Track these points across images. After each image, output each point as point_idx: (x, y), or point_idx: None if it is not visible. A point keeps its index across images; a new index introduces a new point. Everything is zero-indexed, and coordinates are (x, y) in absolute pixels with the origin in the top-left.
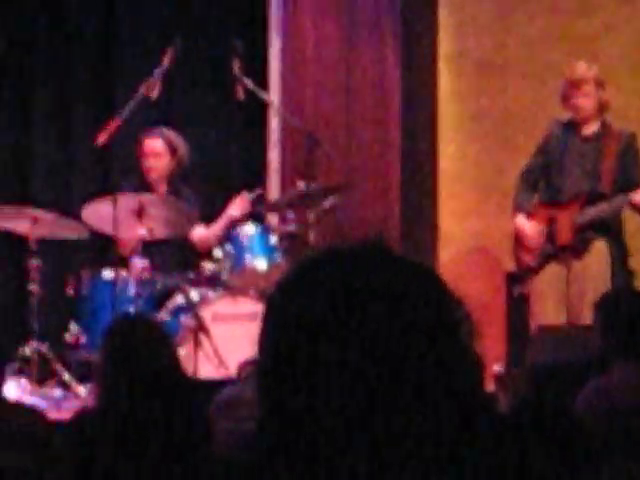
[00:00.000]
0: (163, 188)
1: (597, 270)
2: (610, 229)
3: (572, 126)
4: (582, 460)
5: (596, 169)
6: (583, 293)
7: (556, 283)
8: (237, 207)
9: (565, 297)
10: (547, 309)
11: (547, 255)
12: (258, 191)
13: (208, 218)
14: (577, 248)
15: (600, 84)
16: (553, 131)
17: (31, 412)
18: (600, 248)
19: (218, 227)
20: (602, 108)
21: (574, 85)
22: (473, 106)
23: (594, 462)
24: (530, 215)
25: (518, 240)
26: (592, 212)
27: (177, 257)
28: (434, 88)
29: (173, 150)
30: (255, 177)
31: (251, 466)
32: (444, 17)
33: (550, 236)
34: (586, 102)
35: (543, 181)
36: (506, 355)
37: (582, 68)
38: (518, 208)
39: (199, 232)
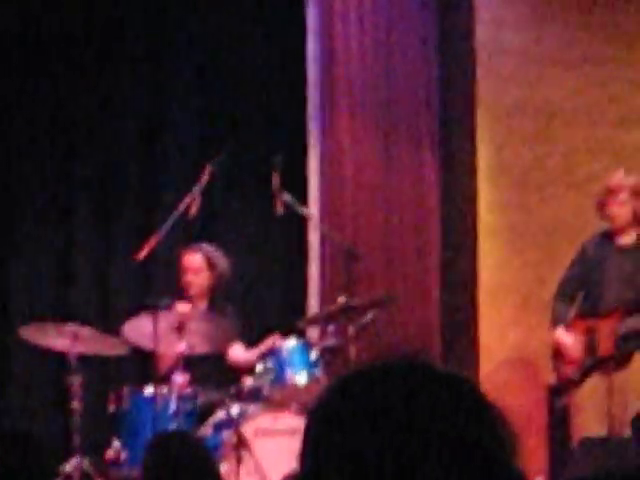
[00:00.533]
0: (203, 303)
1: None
2: None
3: (608, 236)
4: None
5: (635, 279)
6: (625, 405)
7: (597, 395)
8: (271, 341)
9: (607, 409)
10: (589, 421)
11: (588, 367)
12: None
13: (248, 334)
14: (619, 359)
15: (637, 194)
16: (590, 241)
17: None
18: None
19: (253, 354)
20: (638, 218)
21: (610, 192)
22: (514, 218)
23: None
24: (569, 327)
25: (557, 353)
26: (634, 322)
27: (218, 372)
28: (474, 200)
29: (212, 265)
30: (295, 292)
31: None
32: (483, 130)
33: (590, 348)
34: (621, 210)
35: (581, 292)
36: (548, 468)
37: (619, 176)
38: (556, 320)
39: (237, 352)
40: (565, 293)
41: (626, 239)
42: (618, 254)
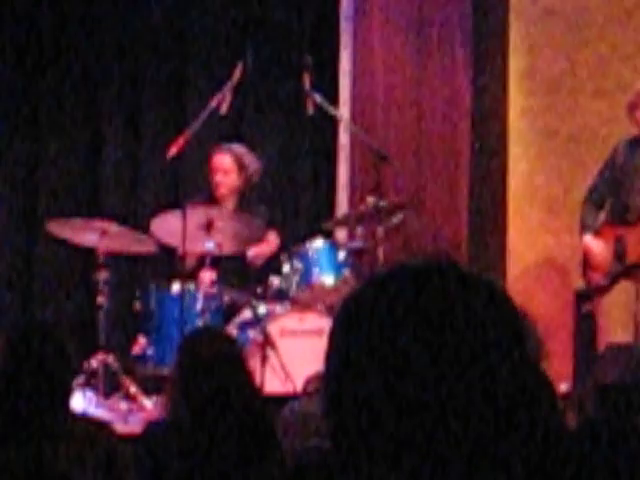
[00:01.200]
0: (232, 203)
1: None
2: None
3: (639, 142)
4: None
5: None
6: None
7: (625, 301)
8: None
9: (633, 315)
10: (615, 327)
11: (616, 274)
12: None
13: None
14: None
15: None
16: (619, 148)
17: (97, 426)
18: None
19: (283, 256)
20: None
21: (636, 99)
22: (544, 124)
23: None
24: (597, 233)
25: (586, 259)
26: None
27: (245, 272)
28: (505, 105)
29: (242, 166)
30: (324, 192)
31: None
32: (515, 34)
33: (619, 255)
34: None
35: (610, 199)
36: (573, 373)
37: None
38: (585, 227)
39: (263, 251)
40: (594, 199)
41: None
42: None
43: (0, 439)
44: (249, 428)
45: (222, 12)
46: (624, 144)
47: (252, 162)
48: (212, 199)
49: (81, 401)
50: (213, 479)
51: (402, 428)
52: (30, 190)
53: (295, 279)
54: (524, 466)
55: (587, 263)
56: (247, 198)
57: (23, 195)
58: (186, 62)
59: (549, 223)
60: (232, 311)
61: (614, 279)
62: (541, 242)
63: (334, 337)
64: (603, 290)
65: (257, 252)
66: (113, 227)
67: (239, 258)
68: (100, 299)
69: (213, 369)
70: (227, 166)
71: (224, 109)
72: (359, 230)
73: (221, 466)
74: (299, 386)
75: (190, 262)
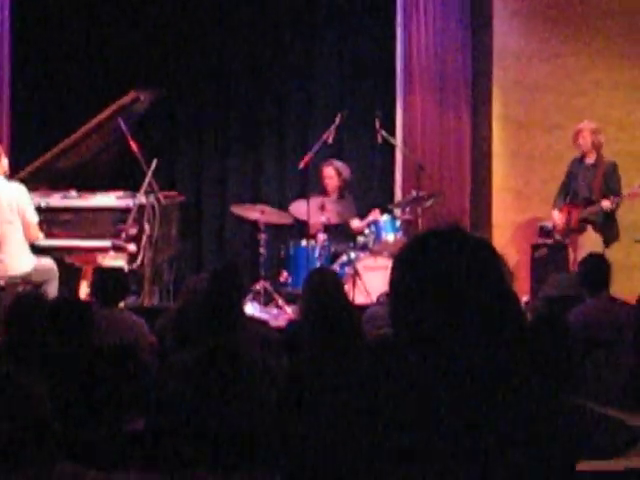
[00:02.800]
0: (335, 195)
1: (589, 246)
2: (596, 222)
3: (580, 159)
4: (572, 351)
5: (591, 185)
6: (578, 258)
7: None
8: (373, 215)
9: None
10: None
11: (565, 233)
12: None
13: (361, 212)
14: (579, 230)
15: (594, 132)
16: (572, 162)
17: (260, 322)
18: (591, 233)
19: (364, 223)
20: (596, 147)
21: (578, 132)
22: (513, 148)
23: (578, 352)
24: (560, 210)
25: (553, 225)
26: (587, 211)
27: (343, 234)
28: (490, 137)
29: (339, 173)
30: (388, 188)
31: (390, 352)
32: (495, 96)
33: (568, 222)
34: (583, 142)
35: (568, 191)
36: (530, 291)
37: (583, 123)
38: (554, 207)
39: (355, 223)
40: (560, 192)
41: (589, 160)
42: (585, 169)
43: (206, 331)
44: (346, 323)
45: (331, 82)
46: (574, 160)
47: (345, 171)
48: (324, 192)
49: (250, 308)
50: (326, 358)
51: (431, 320)
52: (221, 182)
53: (372, 238)
54: (506, 345)
55: (554, 227)
56: (343, 191)
57: (217, 188)
58: (310, 110)
59: (516, 206)
60: (335, 257)
61: (564, 236)
62: (510, 218)
63: (393, 271)
64: (559, 242)
65: (356, 225)
66: (268, 208)
67: (340, 226)
68: (261, 250)
69: (325, 289)
70: (331, 174)
71: (330, 140)
72: (407, 209)
73: (327, 341)
74: (374, 299)
75: (312, 229)
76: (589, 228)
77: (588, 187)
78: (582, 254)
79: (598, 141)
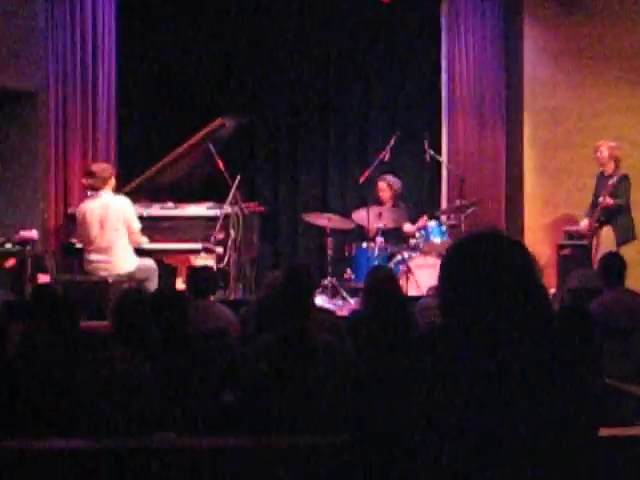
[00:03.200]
0: (390, 203)
1: (604, 242)
2: (611, 220)
3: (602, 173)
4: (596, 337)
5: (612, 191)
6: (598, 256)
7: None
8: (422, 221)
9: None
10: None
11: (589, 236)
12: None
13: (412, 218)
14: (598, 229)
15: (611, 149)
16: (597, 177)
17: (328, 311)
18: (606, 231)
19: (415, 228)
20: (613, 159)
21: (596, 149)
22: (543, 164)
23: (599, 337)
24: (587, 217)
25: (582, 229)
26: (601, 213)
27: (397, 237)
28: (521, 153)
29: (391, 187)
30: (434, 198)
31: (440, 338)
32: (527, 119)
33: (591, 227)
34: (600, 156)
35: (595, 203)
36: (557, 284)
37: (602, 140)
38: (585, 215)
39: (407, 227)
40: (591, 204)
41: (607, 172)
42: (603, 179)
43: (282, 318)
44: (401, 312)
45: (387, 110)
46: (598, 175)
47: (396, 184)
48: (380, 202)
49: (319, 300)
50: (382, 335)
51: (475, 309)
52: (291, 191)
53: (422, 240)
54: (540, 332)
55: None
56: (396, 201)
57: (291, 200)
58: (369, 132)
59: (544, 212)
60: (391, 257)
61: (589, 239)
62: (540, 222)
63: (442, 267)
64: (584, 245)
65: (408, 229)
66: (334, 216)
67: (395, 230)
68: (329, 251)
69: (382, 283)
70: (384, 187)
71: (386, 158)
72: (452, 216)
73: (385, 327)
74: (424, 291)
75: (371, 233)
76: (605, 228)
77: (604, 194)
78: (601, 251)
79: (615, 155)
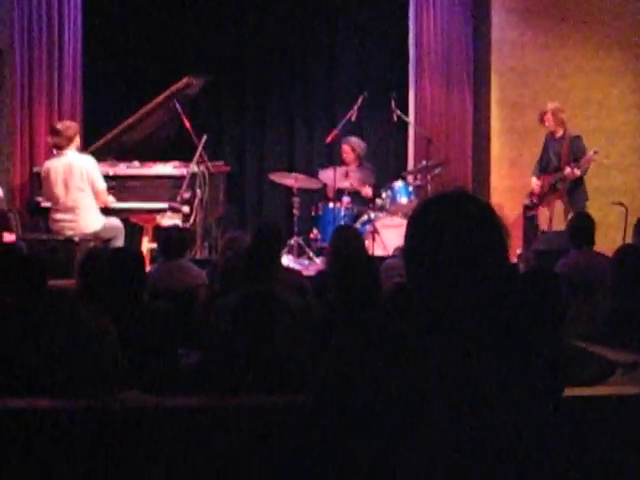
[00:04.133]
0: (355, 164)
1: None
2: (562, 188)
3: (552, 133)
4: (559, 295)
5: (559, 156)
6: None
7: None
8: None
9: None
10: (542, 223)
11: (540, 197)
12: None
13: (379, 179)
14: (551, 194)
15: (555, 112)
16: (546, 136)
17: (294, 271)
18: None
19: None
20: (559, 123)
21: (543, 113)
22: (508, 125)
23: (564, 297)
24: (537, 178)
25: (532, 190)
26: (554, 178)
27: (363, 197)
28: (488, 115)
29: (353, 149)
30: (402, 158)
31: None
32: (494, 81)
33: (542, 188)
34: (548, 123)
35: (543, 161)
36: (523, 244)
37: (546, 106)
38: (533, 175)
39: (366, 190)
40: (537, 163)
41: (558, 134)
42: (555, 142)
43: (247, 278)
44: (366, 272)
45: (353, 74)
46: (547, 134)
47: (359, 146)
48: (344, 163)
49: (285, 260)
50: (346, 295)
51: (440, 269)
52: (261, 157)
53: (388, 200)
54: (504, 291)
55: (531, 192)
56: (362, 162)
57: (257, 159)
58: (336, 92)
59: (511, 173)
60: (357, 217)
61: (541, 199)
62: (506, 183)
63: (407, 228)
64: (538, 205)
65: (367, 192)
66: (300, 175)
67: (361, 191)
68: (295, 210)
69: (347, 243)
70: (347, 149)
71: (353, 118)
72: (418, 176)
73: (350, 286)
74: (390, 252)
75: (338, 192)
76: (559, 200)
77: (557, 157)
78: (554, 225)
79: (560, 118)
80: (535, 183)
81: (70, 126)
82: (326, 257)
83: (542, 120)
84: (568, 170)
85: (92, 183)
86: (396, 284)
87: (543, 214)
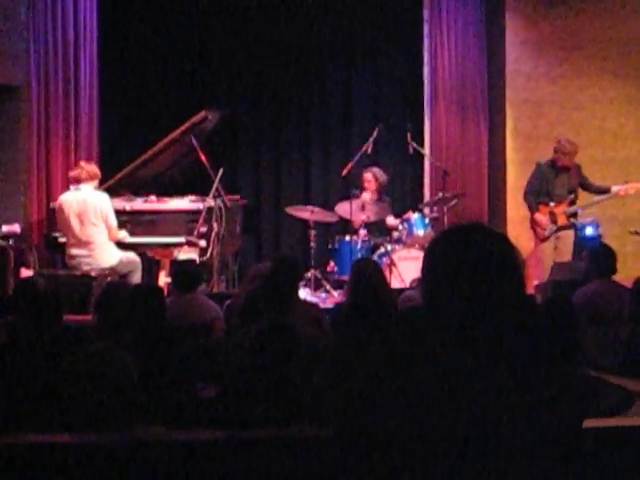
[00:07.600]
0: (374, 196)
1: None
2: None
3: (552, 164)
4: (577, 325)
5: (571, 185)
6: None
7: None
8: (407, 215)
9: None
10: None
11: (551, 230)
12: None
13: (395, 212)
14: (568, 225)
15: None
16: (543, 166)
17: (311, 304)
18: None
19: (399, 221)
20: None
21: (569, 153)
22: (525, 156)
23: (582, 327)
24: (538, 210)
25: (537, 224)
26: (573, 209)
27: (380, 229)
28: (504, 144)
29: (376, 178)
30: (417, 191)
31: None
32: (508, 111)
33: (553, 220)
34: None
35: (539, 192)
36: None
37: (567, 145)
38: (532, 209)
39: (390, 220)
40: (531, 193)
41: (564, 164)
42: (560, 171)
43: (262, 311)
44: (387, 303)
45: (369, 104)
46: (543, 165)
47: (382, 176)
48: (364, 191)
49: (303, 293)
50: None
51: (457, 298)
52: (277, 191)
53: (405, 232)
54: (521, 323)
55: (537, 225)
56: (381, 193)
57: (273, 192)
58: (351, 125)
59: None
60: (374, 249)
61: (550, 233)
62: (522, 214)
63: (424, 260)
64: (545, 239)
65: (391, 222)
66: (316, 209)
67: (378, 222)
68: (312, 244)
69: (367, 276)
70: (369, 178)
71: (369, 151)
72: (435, 208)
73: (370, 316)
74: (408, 284)
75: (354, 225)
76: (569, 232)
77: (566, 187)
78: (563, 257)
79: (575, 150)
80: (540, 217)
81: (94, 168)
82: (346, 288)
83: (566, 159)
84: (621, 190)
85: (106, 219)
86: (412, 307)
87: (549, 245)
